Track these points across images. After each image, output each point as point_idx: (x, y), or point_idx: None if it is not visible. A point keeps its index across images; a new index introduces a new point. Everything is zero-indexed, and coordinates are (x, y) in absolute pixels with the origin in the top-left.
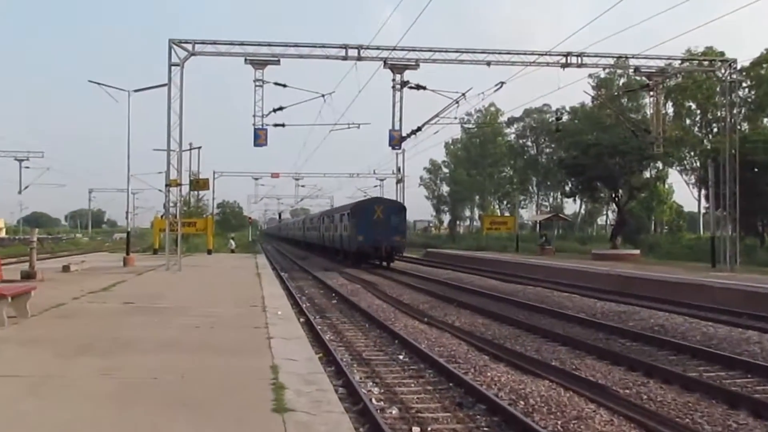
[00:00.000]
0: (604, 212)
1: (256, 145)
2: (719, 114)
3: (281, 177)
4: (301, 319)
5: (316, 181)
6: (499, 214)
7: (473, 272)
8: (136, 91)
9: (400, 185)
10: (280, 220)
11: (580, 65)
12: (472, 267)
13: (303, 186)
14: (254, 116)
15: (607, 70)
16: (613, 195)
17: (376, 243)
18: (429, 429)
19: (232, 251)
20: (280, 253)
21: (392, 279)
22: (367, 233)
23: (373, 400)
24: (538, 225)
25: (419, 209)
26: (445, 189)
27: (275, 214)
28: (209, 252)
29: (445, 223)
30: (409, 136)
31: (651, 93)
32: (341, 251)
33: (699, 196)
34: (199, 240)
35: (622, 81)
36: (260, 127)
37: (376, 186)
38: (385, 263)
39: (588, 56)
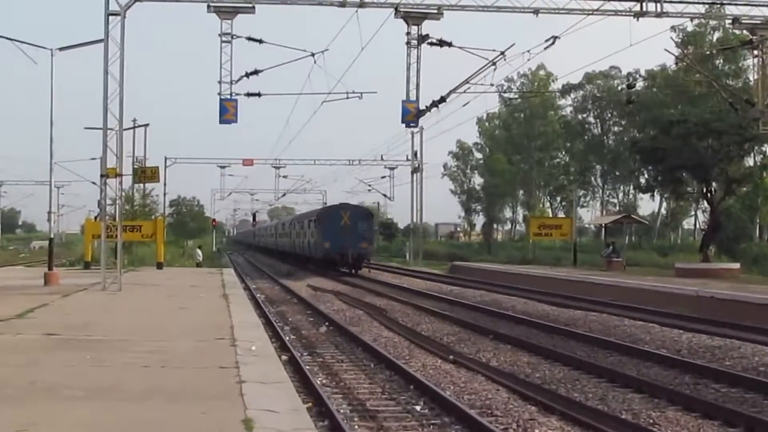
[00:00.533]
0: (692, 213)
1: (222, 121)
2: None
3: (256, 165)
4: (284, 357)
5: (303, 171)
6: (550, 215)
7: (516, 294)
8: (61, 49)
9: (417, 176)
10: (255, 222)
11: (659, 14)
12: (514, 287)
13: (285, 177)
14: (220, 83)
15: (696, 22)
16: (705, 189)
17: (343, 250)
18: None
19: (198, 265)
20: (255, 267)
21: (407, 303)
22: (333, 240)
23: None
24: (603, 230)
25: (443, 208)
26: (477, 181)
27: (248, 214)
28: (159, 266)
29: (478, 228)
30: (428, 109)
31: (755, 52)
32: (310, 259)
33: None
34: (146, 250)
35: (716, 36)
36: (228, 97)
37: (384, 177)
38: (353, 270)
39: (670, 2)
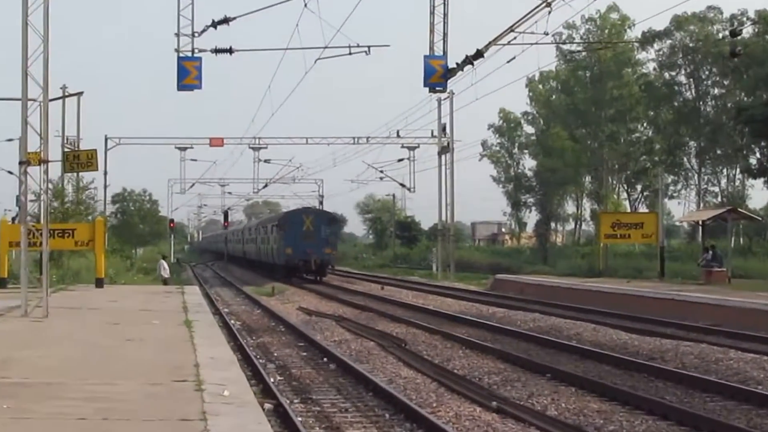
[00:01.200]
0: None
1: (181, 87)
2: None
3: (228, 146)
4: (267, 405)
5: (292, 153)
6: (627, 210)
7: (582, 318)
8: None
9: (446, 157)
10: (227, 223)
11: None
12: (579, 308)
13: (267, 162)
14: (178, 36)
15: None
16: None
17: (305, 256)
18: None
19: (165, 282)
20: (227, 283)
21: (434, 331)
22: (295, 246)
23: None
24: (700, 229)
25: (481, 202)
26: (528, 164)
27: (218, 212)
28: (100, 283)
29: (530, 228)
30: (460, 67)
31: None
32: (273, 265)
33: None
34: (82, 262)
35: None
36: (188, 55)
37: (401, 160)
38: (317, 277)
39: None
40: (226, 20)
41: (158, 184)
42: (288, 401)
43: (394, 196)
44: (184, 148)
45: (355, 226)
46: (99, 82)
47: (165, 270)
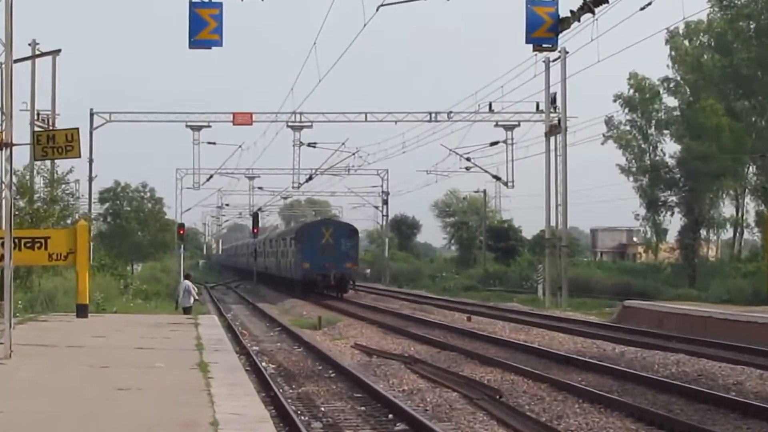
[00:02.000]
0: None
1: (195, 43)
2: None
3: (258, 123)
4: None
5: (345, 133)
6: None
7: (743, 360)
8: None
9: (556, 140)
10: (257, 229)
11: None
12: (739, 346)
13: (313, 146)
14: None
15: None
16: None
17: (324, 270)
18: None
19: (186, 311)
20: (257, 311)
21: (539, 378)
22: (313, 260)
23: None
24: None
25: (605, 202)
26: (669, 149)
27: (244, 215)
28: (83, 311)
29: (671, 237)
30: (576, 17)
31: None
32: (291, 281)
33: None
34: (58, 283)
35: None
36: (205, 0)
37: (495, 144)
38: (338, 294)
39: None
40: None
41: (163, 176)
42: None
43: (485, 192)
44: (199, 127)
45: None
46: (82, 38)
47: (191, 294)
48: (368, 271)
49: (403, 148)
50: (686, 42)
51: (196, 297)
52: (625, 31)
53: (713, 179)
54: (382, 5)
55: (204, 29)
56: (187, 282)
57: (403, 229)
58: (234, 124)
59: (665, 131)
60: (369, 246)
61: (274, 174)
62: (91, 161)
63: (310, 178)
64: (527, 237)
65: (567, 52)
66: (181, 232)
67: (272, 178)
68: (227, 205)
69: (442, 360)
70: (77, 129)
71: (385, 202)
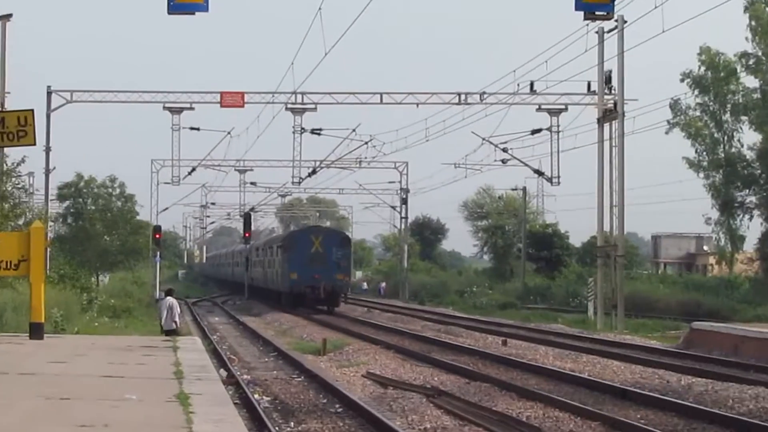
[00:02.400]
0: None
1: (175, 8)
2: None
3: (251, 105)
4: None
5: (356, 118)
6: None
7: None
8: None
9: (610, 127)
10: (248, 235)
11: None
12: None
13: (317, 133)
14: None
15: None
16: None
17: (313, 282)
18: None
19: (173, 332)
20: (247, 331)
21: (589, 414)
22: (301, 270)
23: None
24: None
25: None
26: (748, 139)
27: (234, 217)
28: (37, 331)
29: (749, 246)
30: None
31: None
32: (277, 293)
33: None
34: (8, 295)
35: None
36: None
37: (537, 132)
38: (328, 308)
39: None
40: None
41: (136, 169)
42: None
43: (524, 190)
44: (179, 110)
45: (460, 240)
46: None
47: (175, 314)
48: (383, 285)
49: (426, 136)
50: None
51: (176, 320)
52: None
53: None
54: None
55: None
56: (171, 299)
57: (426, 234)
58: (222, 106)
59: (743, 117)
60: (384, 255)
61: (270, 167)
62: (48, 150)
63: (314, 172)
64: (575, 244)
65: (625, 22)
66: (158, 236)
67: (268, 171)
68: (213, 204)
69: (472, 392)
70: (32, 111)
71: (404, 202)
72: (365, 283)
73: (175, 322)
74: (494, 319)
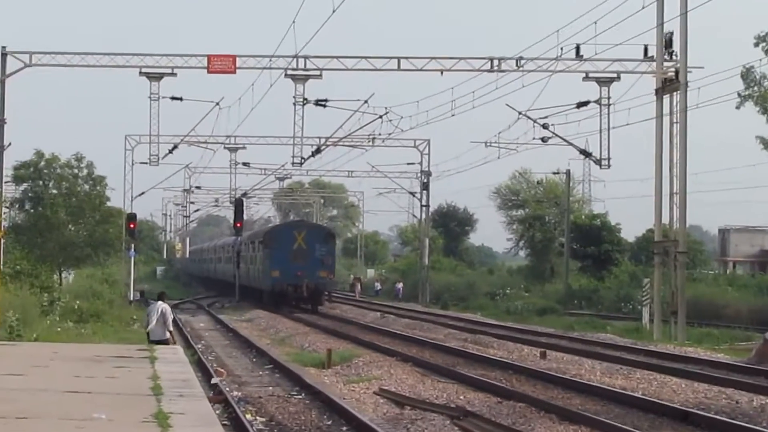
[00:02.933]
0: None
1: None
2: None
3: (243, 70)
4: None
5: (368, 88)
6: None
7: None
8: None
9: (671, 100)
10: (240, 224)
11: None
12: None
13: (322, 104)
14: None
15: None
16: None
17: (296, 280)
18: None
19: (161, 341)
20: (237, 339)
21: None
22: (284, 267)
23: None
24: None
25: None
26: None
27: (223, 204)
28: None
29: None
30: None
31: None
32: (258, 291)
33: None
34: None
35: None
36: None
37: (583, 105)
38: (312, 307)
39: None
40: None
41: (107, 146)
42: None
43: (568, 174)
44: (159, 76)
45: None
46: None
47: (168, 322)
48: (400, 285)
49: (452, 109)
50: None
51: (170, 329)
52: None
53: None
54: None
55: None
56: (163, 305)
57: (451, 225)
58: (209, 72)
59: None
60: (401, 250)
61: (267, 144)
62: (1, 122)
63: (318, 151)
64: (628, 239)
65: None
66: (132, 225)
67: (263, 150)
68: (198, 188)
69: (505, 414)
70: None
71: (426, 187)
72: (378, 284)
73: (170, 332)
74: (531, 327)
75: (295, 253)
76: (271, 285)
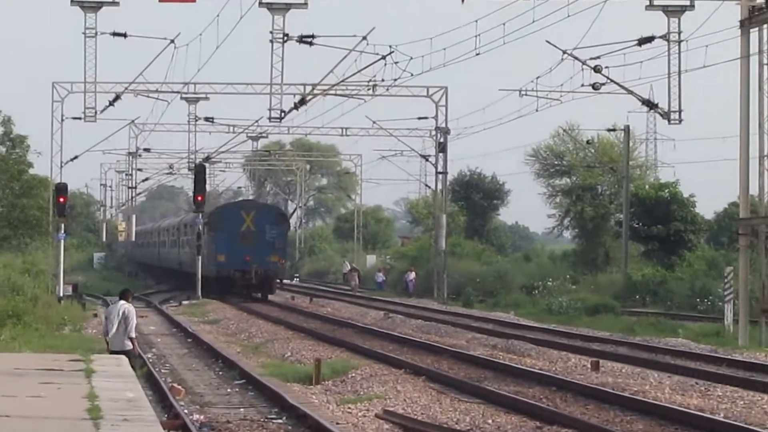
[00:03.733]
0: None
1: None
2: None
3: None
4: None
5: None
6: None
7: None
8: None
9: (759, 36)
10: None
11: None
12: None
13: (307, 42)
14: None
15: None
16: None
17: (244, 265)
18: None
19: (126, 355)
20: (198, 344)
21: None
22: (230, 251)
23: None
24: None
25: None
26: None
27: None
28: None
29: None
30: None
31: None
32: (204, 278)
33: None
34: None
35: None
36: None
37: (646, 42)
38: (262, 295)
39: None
40: None
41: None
42: None
43: (627, 131)
44: (97, 5)
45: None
46: None
47: (130, 327)
48: (412, 276)
49: (475, 47)
50: None
51: (131, 335)
52: None
53: None
54: None
55: None
56: (126, 305)
57: (475, 198)
58: (161, 0)
59: None
60: (411, 230)
61: (237, 95)
62: None
63: (303, 103)
64: (705, 216)
65: None
66: (62, 199)
67: (232, 102)
68: (148, 150)
69: None
70: None
71: (442, 149)
72: (381, 273)
73: (131, 339)
74: (580, 330)
75: (243, 235)
76: (216, 271)
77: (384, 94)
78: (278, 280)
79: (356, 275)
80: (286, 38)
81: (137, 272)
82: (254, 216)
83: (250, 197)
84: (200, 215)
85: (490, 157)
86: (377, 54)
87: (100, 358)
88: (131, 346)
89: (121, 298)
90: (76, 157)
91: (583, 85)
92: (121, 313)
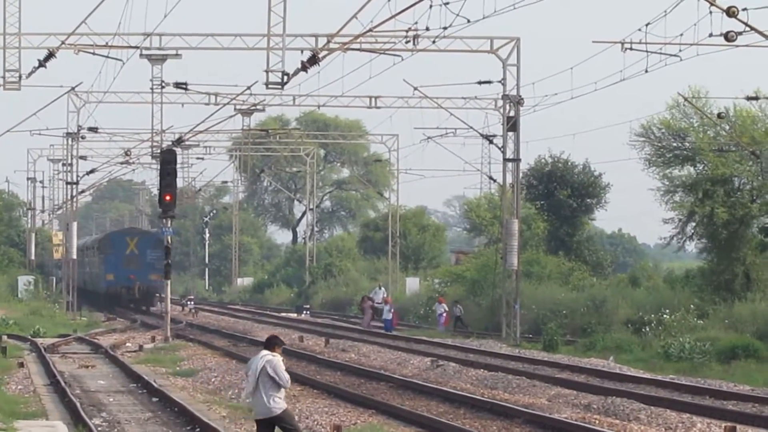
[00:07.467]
0: None
1: None
2: None
3: None
4: None
5: None
6: None
7: None
8: None
9: None
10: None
11: None
12: None
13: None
14: None
15: None
16: None
17: (129, 282)
18: None
19: (275, 423)
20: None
21: None
22: (117, 271)
23: None
24: None
25: None
26: None
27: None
28: None
29: None
30: None
31: None
32: (97, 294)
33: None
34: None
35: None
36: None
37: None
38: (143, 308)
39: None
40: None
41: None
42: None
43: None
44: None
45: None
46: None
47: (281, 381)
48: (443, 308)
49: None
50: None
51: (279, 395)
52: None
53: None
54: None
55: None
56: (270, 356)
57: (561, 196)
58: None
59: None
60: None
61: (220, 50)
62: None
63: (314, 61)
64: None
65: None
66: None
67: (214, 60)
68: (95, 130)
69: None
70: None
71: (513, 126)
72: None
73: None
74: (709, 383)
75: (127, 258)
76: (106, 287)
77: (429, 48)
78: (157, 294)
79: (369, 306)
80: None
81: (83, 302)
82: (137, 242)
83: (240, 194)
84: (163, 228)
85: (581, 138)
86: None
87: (28, 426)
88: (282, 409)
89: (265, 348)
90: (4, 133)
91: (711, 35)
92: (260, 369)
